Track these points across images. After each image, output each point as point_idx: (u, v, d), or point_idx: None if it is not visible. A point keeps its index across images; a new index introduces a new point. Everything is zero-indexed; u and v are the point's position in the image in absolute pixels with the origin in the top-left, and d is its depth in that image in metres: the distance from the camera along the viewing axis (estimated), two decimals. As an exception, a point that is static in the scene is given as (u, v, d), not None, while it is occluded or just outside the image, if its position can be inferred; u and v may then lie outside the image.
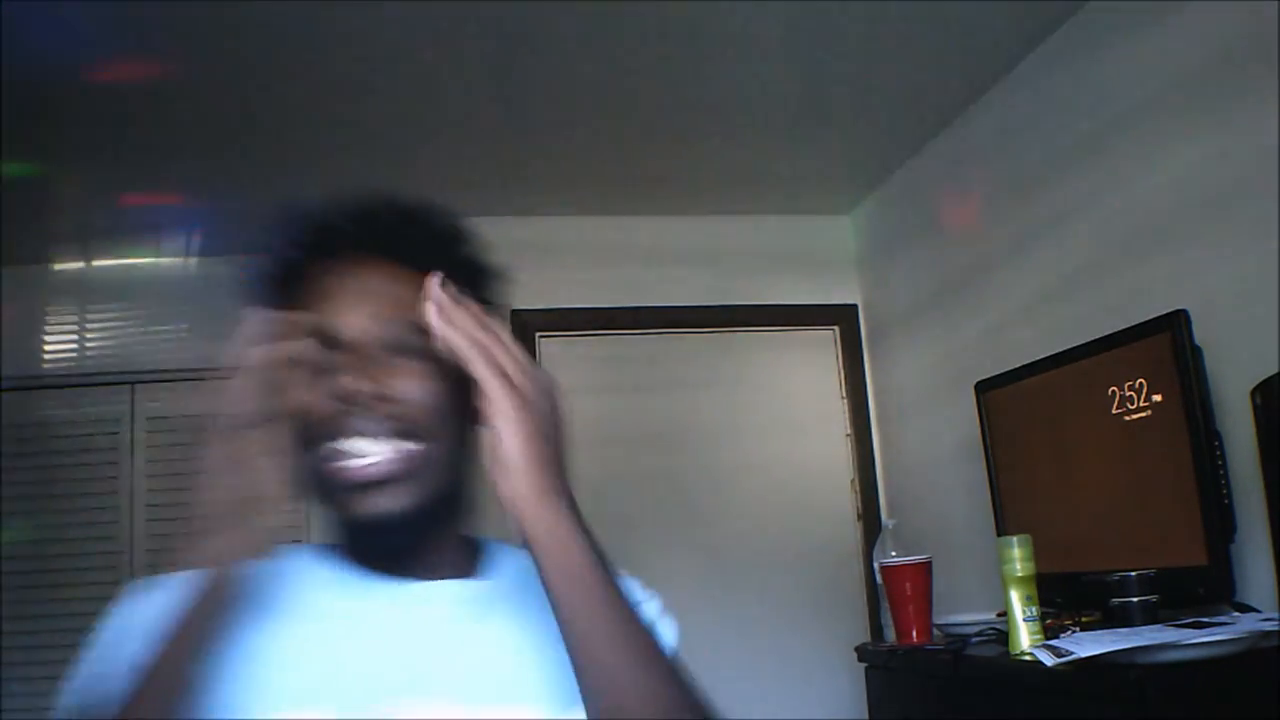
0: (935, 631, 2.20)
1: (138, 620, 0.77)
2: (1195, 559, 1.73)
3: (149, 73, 2.26)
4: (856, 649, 2.43)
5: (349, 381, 0.77)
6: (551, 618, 0.74)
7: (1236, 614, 1.66)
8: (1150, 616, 1.67)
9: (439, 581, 0.86)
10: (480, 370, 0.73)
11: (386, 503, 0.79)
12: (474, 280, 0.86)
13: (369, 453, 0.78)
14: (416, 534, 0.83)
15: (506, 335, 0.76)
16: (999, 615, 1.98)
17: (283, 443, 0.75)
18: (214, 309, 3.74)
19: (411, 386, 0.80)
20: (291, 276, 0.84)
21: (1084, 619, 1.84)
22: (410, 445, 0.79)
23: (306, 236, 0.85)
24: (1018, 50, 2.44)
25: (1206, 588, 1.72)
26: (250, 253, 0.88)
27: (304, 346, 0.78)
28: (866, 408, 3.42)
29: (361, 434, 0.78)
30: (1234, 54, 1.85)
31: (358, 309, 0.81)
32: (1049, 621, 1.83)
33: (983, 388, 2.37)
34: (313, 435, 0.78)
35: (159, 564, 3.11)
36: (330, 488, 0.79)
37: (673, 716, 0.73)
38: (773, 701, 3.09)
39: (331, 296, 0.82)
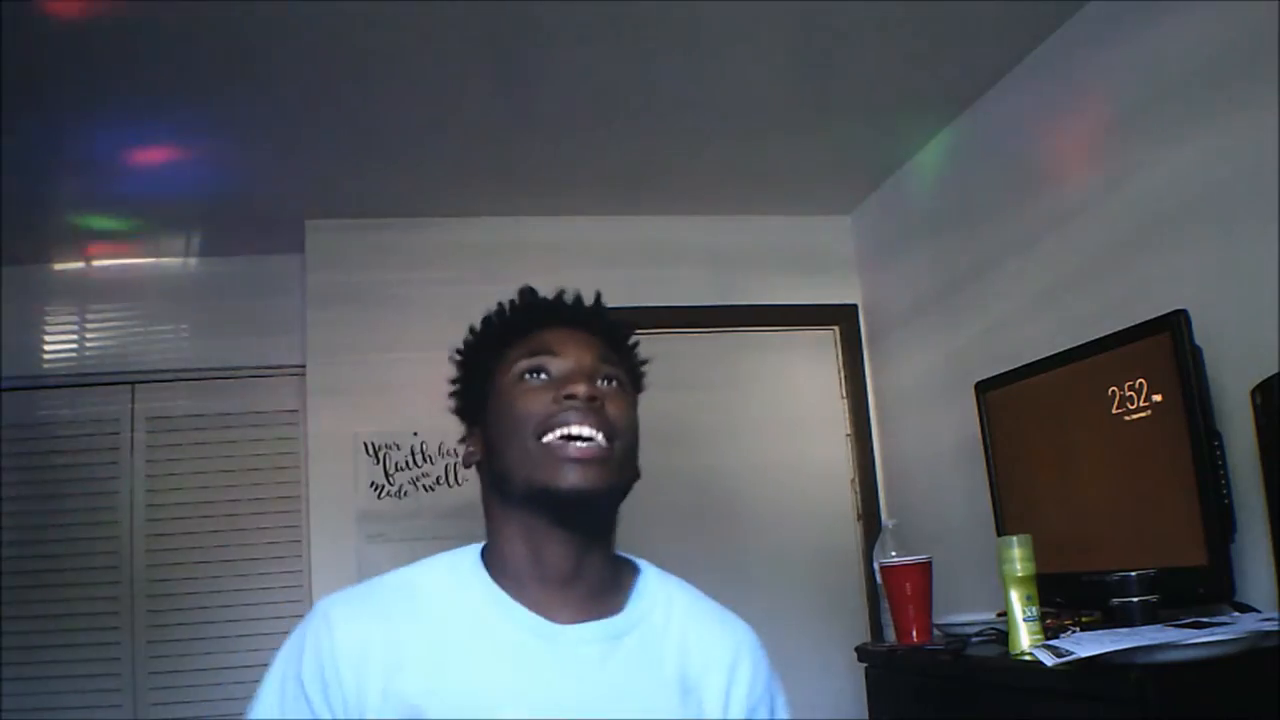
0: (935, 631, 2.20)
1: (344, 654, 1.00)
2: (1195, 559, 1.73)
3: (152, 70, 2.26)
4: (856, 649, 2.43)
5: (574, 389, 1.04)
6: (663, 662, 1.07)
7: (1236, 614, 1.66)
8: (1150, 616, 1.67)
9: (583, 624, 1.06)
10: None
11: (593, 478, 1.02)
12: (630, 354, 1.24)
13: (586, 438, 1.03)
14: (602, 518, 1.08)
15: None
16: (999, 615, 1.98)
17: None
18: (214, 309, 3.74)
19: (613, 403, 1.08)
20: (520, 331, 1.17)
21: (1084, 619, 1.84)
22: (610, 442, 1.04)
23: (536, 306, 1.22)
24: (1018, 50, 2.44)
25: (1206, 588, 1.72)
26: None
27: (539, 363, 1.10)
28: (866, 408, 3.42)
29: (580, 424, 1.03)
30: (1234, 54, 1.85)
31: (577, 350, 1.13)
32: (1049, 621, 1.82)
33: (983, 388, 2.37)
34: (543, 428, 1.03)
35: (158, 564, 3.13)
36: (553, 463, 1.02)
37: None
38: (773, 701, 3.09)
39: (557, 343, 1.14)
